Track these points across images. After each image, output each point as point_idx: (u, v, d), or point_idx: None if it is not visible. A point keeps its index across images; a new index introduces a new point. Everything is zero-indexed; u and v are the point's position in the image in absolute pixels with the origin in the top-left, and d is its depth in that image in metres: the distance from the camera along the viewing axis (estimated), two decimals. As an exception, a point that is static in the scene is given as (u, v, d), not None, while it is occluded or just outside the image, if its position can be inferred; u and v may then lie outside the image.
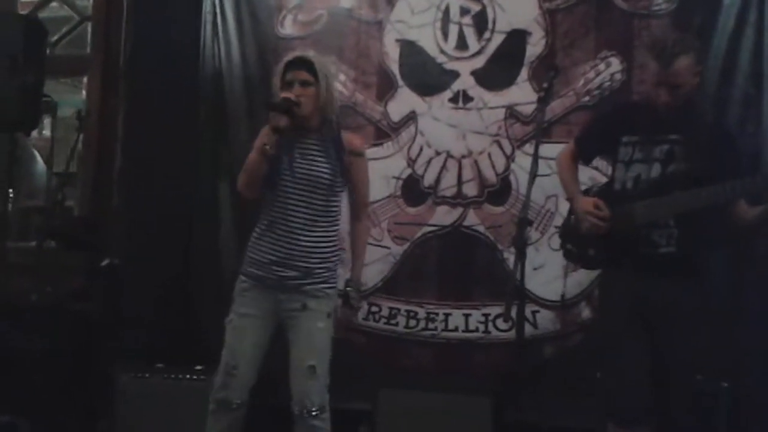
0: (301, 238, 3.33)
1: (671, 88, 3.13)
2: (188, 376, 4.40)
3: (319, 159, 3.35)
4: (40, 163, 5.42)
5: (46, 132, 5.65)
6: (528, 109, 4.48)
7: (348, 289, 3.42)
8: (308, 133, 3.38)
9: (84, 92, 5.63)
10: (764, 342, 4.01)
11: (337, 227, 3.43)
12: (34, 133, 5.40)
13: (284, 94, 3.28)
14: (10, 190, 5.11)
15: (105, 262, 5.01)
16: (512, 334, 3.36)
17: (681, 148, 3.18)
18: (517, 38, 4.56)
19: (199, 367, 4.42)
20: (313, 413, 3.30)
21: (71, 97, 6.02)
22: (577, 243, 3.37)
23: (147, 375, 4.41)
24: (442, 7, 4.67)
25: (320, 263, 3.36)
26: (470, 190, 4.58)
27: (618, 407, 3.18)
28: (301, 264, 3.33)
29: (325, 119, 3.37)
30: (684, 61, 3.12)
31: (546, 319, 4.33)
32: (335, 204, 3.42)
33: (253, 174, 3.33)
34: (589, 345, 4.20)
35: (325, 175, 3.34)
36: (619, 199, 3.22)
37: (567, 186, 3.43)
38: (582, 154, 3.47)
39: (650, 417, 3.13)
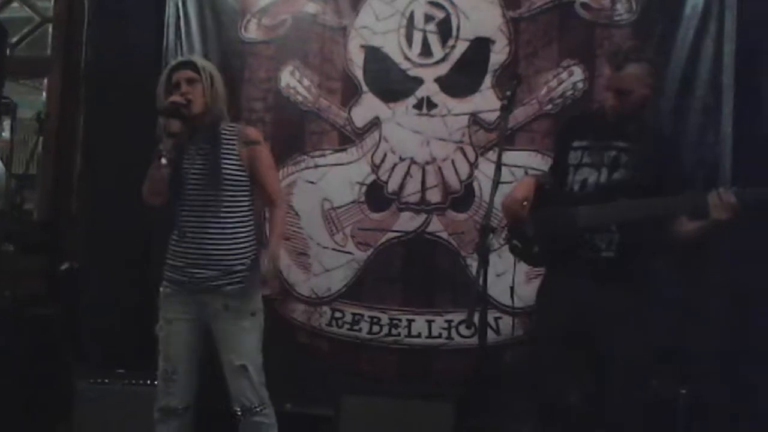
0: (214, 237, 3.37)
1: (619, 93, 3.23)
2: (148, 382, 4.35)
3: (217, 156, 3.37)
4: (-2, 165, 5.34)
5: (5, 134, 5.58)
6: (491, 117, 4.51)
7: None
8: (203, 132, 3.42)
9: (44, 94, 5.56)
10: (722, 346, 4.07)
11: (250, 223, 3.46)
12: (-7, 135, 5.34)
13: (172, 98, 3.34)
14: (-32, 193, 5.04)
15: (64, 266, 4.96)
16: (475, 340, 3.35)
17: (627, 156, 3.26)
18: (480, 46, 4.58)
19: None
20: (255, 410, 3.36)
21: (31, 99, 5.94)
22: (523, 239, 3.41)
23: (106, 381, 4.37)
24: (407, 14, 4.67)
25: (237, 261, 3.39)
26: (434, 196, 4.59)
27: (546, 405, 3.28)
28: (218, 264, 3.37)
29: (216, 115, 3.42)
30: (634, 69, 3.23)
31: (508, 325, 4.35)
32: (244, 199, 3.44)
33: (155, 181, 3.38)
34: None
35: (226, 171, 3.37)
36: (566, 202, 3.30)
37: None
38: (552, 173, 3.51)
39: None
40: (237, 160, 3.42)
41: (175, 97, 3.34)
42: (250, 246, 3.45)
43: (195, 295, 3.41)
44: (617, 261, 3.23)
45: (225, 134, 3.44)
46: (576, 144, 3.37)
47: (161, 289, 3.50)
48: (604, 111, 3.32)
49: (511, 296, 3.41)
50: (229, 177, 3.38)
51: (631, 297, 3.24)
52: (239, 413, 3.38)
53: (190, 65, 3.44)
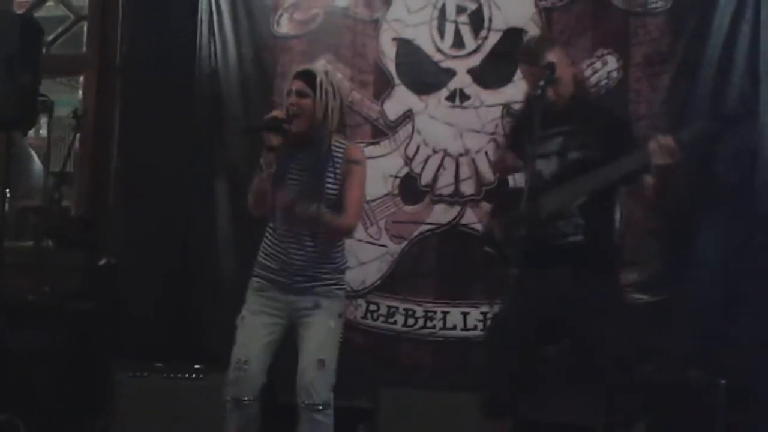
0: (308, 248, 3.44)
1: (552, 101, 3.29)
2: (186, 375, 4.41)
3: (321, 173, 3.39)
4: (36, 162, 5.40)
5: (43, 132, 5.64)
6: (525, 108, 4.50)
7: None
8: (309, 147, 3.43)
9: (80, 92, 5.61)
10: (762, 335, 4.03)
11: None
12: (31, 133, 5.39)
13: (274, 113, 3.38)
14: (7, 190, 5.10)
15: (102, 262, 5.02)
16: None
17: (574, 139, 3.31)
18: (513, 36, 4.55)
19: (197, 366, 4.43)
20: (318, 408, 3.36)
21: (68, 96, 6.01)
22: (494, 246, 3.45)
23: (145, 374, 4.42)
24: (439, 6, 4.67)
25: (328, 271, 3.48)
26: (468, 188, 4.58)
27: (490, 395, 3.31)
28: (309, 273, 3.44)
29: (324, 131, 3.40)
30: (552, 57, 3.31)
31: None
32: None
33: (258, 194, 3.44)
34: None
35: (327, 188, 3.40)
36: (529, 196, 3.27)
37: None
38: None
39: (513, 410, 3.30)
40: (338, 178, 3.43)
41: (276, 112, 3.38)
42: (340, 256, 3.54)
43: (285, 293, 3.48)
44: (584, 244, 3.24)
45: (333, 151, 3.43)
46: (530, 136, 3.36)
47: (251, 281, 3.57)
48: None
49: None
50: (329, 194, 3.41)
51: (603, 279, 3.27)
52: (304, 406, 3.38)
53: (307, 76, 3.41)
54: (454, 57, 4.64)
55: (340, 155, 3.44)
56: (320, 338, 3.41)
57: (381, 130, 4.72)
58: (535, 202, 3.26)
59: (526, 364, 3.24)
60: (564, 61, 3.39)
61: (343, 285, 3.52)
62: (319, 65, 3.47)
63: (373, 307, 4.64)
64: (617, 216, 3.44)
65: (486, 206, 4.52)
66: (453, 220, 4.59)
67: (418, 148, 4.66)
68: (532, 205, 3.25)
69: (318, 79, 3.38)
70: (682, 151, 3.04)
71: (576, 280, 3.22)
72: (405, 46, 4.72)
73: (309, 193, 3.36)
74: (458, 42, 4.64)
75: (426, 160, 4.64)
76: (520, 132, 3.48)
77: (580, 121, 3.32)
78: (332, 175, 3.41)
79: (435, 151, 4.63)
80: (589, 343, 3.22)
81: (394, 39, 4.73)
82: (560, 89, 3.31)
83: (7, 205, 5.17)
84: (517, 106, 4.51)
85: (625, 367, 3.22)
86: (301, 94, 3.38)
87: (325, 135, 3.41)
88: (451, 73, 4.64)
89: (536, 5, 4.54)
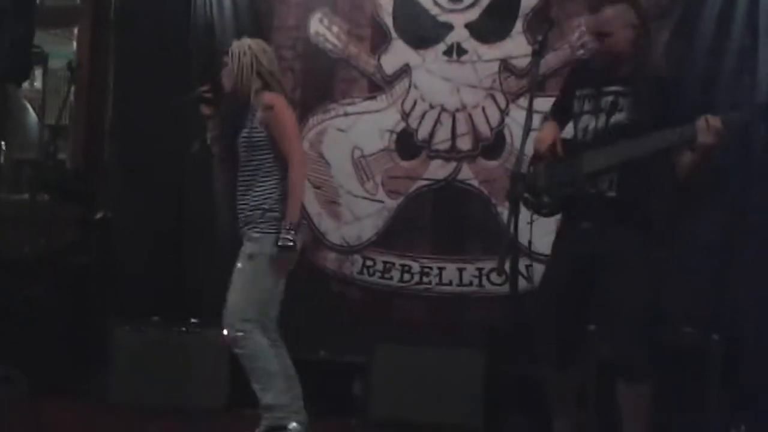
0: (246, 194, 3.72)
1: (599, 36, 3.30)
2: (183, 328, 4.43)
3: (249, 126, 3.73)
4: (31, 115, 5.39)
5: (37, 84, 5.61)
6: (522, 63, 4.46)
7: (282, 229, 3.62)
8: (239, 108, 3.79)
9: (74, 43, 5.56)
10: (759, 291, 4.04)
11: (274, 181, 3.69)
12: (25, 85, 5.34)
13: (200, 88, 3.91)
14: (2, 143, 5.09)
15: (98, 215, 5.01)
16: (506, 288, 3.37)
17: (625, 100, 3.30)
18: (511, -10, 4.53)
19: (194, 320, 4.46)
20: (233, 338, 3.63)
21: (62, 48, 5.95)
22: (533, 192, 3.44)
23: (142, 328, 4.45)
24: (436, -41, 4.62)
25: (252, 216, 3.68)
26: (464, 144, 4.57)
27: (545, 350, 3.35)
28: (242, 218, 3.72)
29: (246, 93, 3.73)
30: (610, 11, 3.28)
31: (539, 272, 4.34)
32: (268, 161, 3.70)
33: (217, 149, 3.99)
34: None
35: (248, 136, 3.71)
36: (572, 149, 3.35)
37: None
38: (554, 117, 3.54)
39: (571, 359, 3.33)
40: (259, 124, 3.71)
41: (203, 88, 3.91)
42: (270, 201, 3.69)
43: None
44: (620, 200, 3.27)
45: (254, 104, 3.75)
46: (578, 93, 3.42)
47: None
48: (599, 59, 3.39)
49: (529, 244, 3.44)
50: (251, 141, 3.72)
51: (637, 234, 3.29)
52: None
53: (229, 50, 3.82)
54: (452, 11, 4.60)
55: (259, 106, 3.75)
56: (234, 277, 3.68)
57: (378, 85, 4.69)
58: (579, 157, 3.31)
59: (575, 313, 3.32)
60: (620, 19, 3.29)
61: (263, 228, 3.65)
62: (242, 41, 3.82)
63: (369, 263, 4.65)
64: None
65: (483, 162, 4.52)
66: (450, 175, 4.58)
67: (414, 103, 4.63)
68: (576, 159, 3.30)
69: (231, 51, 3.78)
70: (727, 134, 3.06)
71: (607, 233, 3.25)
72: (402, 0, 4.67)
73: (242, 144, 3.75)
74: (456, -5, 4.60)
75: (423, 116, 4.62)
76: (571, 88, 3.46)
77: (633, 84, 3.30)
78: (251, 122, 3.72)
79: (432, 107, 4.61)
80: (613, 296, 3.25)
81: (391, -8, 4.68)
82: (612, 46, 3.29)
83: (2, 158, 5.17)
84: (514, 61, 4.48)
85: (642, 327, 3.25)
86: (225, 65, 3.81)
87: (248, 94, 3.73)
88: (448, 27, 4.60)
89: (535, -41, 4.48)
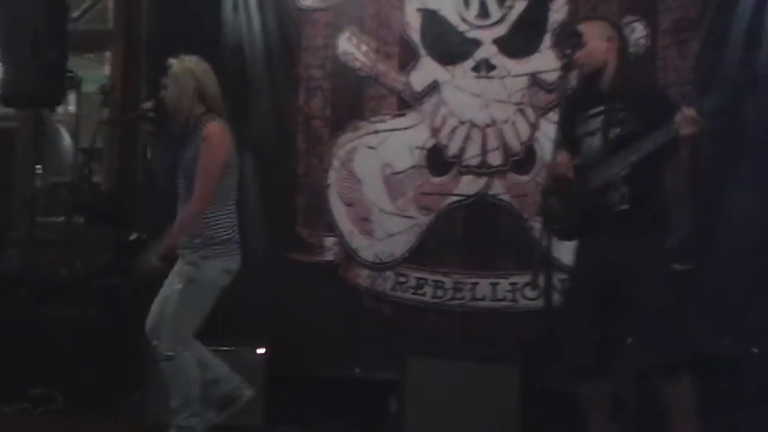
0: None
1: (574, 46, 3.42)
2: (216, 348, 4.44)
3: (188, 146, 3.70)
4: (66, 138, 5.46)
5: (71, 108, 5.67)
6: (551, 77, 4.45)
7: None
8: (183, 128, 3.75)
9: (107, 67, 5.63)
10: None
11: (218, 206, 3.71)
12: (59, 109, 5.42)
13: (143, 105, 3.94)
14: (38, 167, 5.15)
15: (132, 237, 5.06)
16: (540, 302, 3.37)
17: (616, 116, 3.38)
18: (539, 5, 4.53)
19: (228, 341, 4.47)
20: (162, 356, 3.68)
21: (95, 72, 6.03)
22: (553, 219, 3.47)
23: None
24: (463, -25, 4.64)
25: (194, 242, 3.70)
26: (495, 159, 4.57)
27: (574, 364, 3.42)
28: (188, 239, 3.72)
29: (185, 115, 3.72)
30: (585, 24, 3.50)
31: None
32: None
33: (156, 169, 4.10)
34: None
35: (189, 161, 3.68)
36: (580, 173, 3.41)
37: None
38: (563, 147, 3.53)
39: (601, 371, 3.39)
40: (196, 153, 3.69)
41: (146, 104, 3.92)
42: (209, 227, 3.70)
43: None
44: (631, 212, 3.31)
45: (198, 130, 3.71)
46: (579, 117, 3.49)
47: None
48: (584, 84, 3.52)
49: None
50: (194, 169, 3.67)
51: (650, 244, 3.34)
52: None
53: (168, 69, 3.80)
54: (480, 27, 4.61)
55: (201, 134, 3.70)
56: (168, 292, 3.72)
57: (407, 102, 4.71)
58: (585, 177, 3.36)
59: (599, 326, 3.36)
60: (594, 32, 3.42)
61: (205, 254, 3.67)
62: (180, 58, 3.78)
63: (402, 279, 4.65)
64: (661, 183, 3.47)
65: (513, 177, 4.52)
66: (480, 191, 4.58)
67: (444, 119, 4.64)
68: (582, 179, 3.36)
69: (170, 72, 3.76)
70: (706, 120, 3.13)
71: (623, 246, 3.29)
72: (430, 17, 4.68)
73: (182, 170, 3.72)
74: (483, 11, 4.61)
75: (453, 131, 4.63)
76: (569, 117, 3.51)
77: (621, 98, 3.38)
78: (192, 147, 3.69)
79: (461, 122, 4.62)
80: (638, 304, 3.28)
81: (418, 9, 4.70)
82: (585, 57, 3.40)
83: (38, 182, 5.23)
84: (543, 76, 4.49)
85: (671, 327, 3.27)
86: (164, 86, 3.79)
87: (187, 116, 3.72)
88: (476, 43, 4.61)
89: (562, -28, 4.49)
